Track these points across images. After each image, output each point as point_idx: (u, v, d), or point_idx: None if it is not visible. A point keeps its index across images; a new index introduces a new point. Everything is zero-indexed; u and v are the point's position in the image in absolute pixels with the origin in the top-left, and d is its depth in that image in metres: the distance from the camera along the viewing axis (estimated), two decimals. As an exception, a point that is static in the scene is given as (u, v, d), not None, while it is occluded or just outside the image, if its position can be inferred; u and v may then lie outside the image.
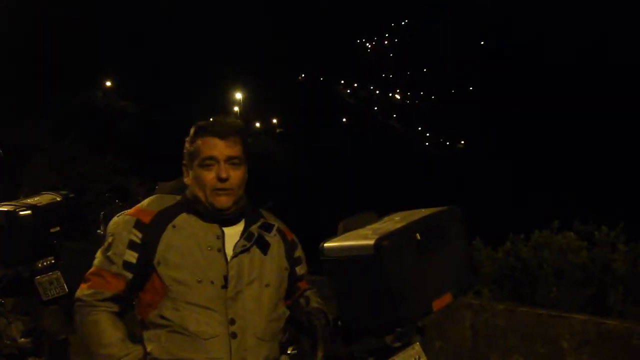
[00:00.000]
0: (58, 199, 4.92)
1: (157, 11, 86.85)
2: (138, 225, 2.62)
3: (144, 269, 2.58)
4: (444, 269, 2.74)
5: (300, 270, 2.88)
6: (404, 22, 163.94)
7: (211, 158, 2.60)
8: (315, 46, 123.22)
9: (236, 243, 2.63)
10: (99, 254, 2.69)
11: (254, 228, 2.68)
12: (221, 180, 2.58)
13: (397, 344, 2.78)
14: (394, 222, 2.76)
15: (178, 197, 2.74)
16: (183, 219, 2.64)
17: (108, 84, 71.32)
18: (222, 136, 2.61)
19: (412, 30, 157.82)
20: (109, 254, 2.63)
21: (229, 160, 2.61)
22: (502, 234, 6.44)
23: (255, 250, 2.66)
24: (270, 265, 2.69)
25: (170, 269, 2.55)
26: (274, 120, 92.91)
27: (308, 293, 2.90)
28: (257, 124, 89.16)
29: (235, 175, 2.62)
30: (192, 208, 2.65)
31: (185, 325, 2.52)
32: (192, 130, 2.69)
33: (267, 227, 2.73)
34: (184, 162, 2.72)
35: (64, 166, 14.38)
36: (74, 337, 5.63)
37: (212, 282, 2.54)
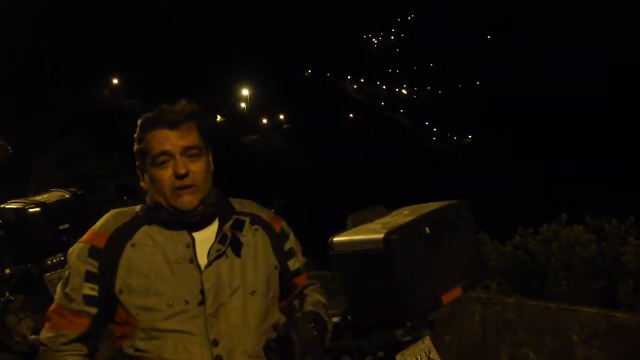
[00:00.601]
0: (67, 196, 4.94)
1: (163, 9, 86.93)
2: (92, 252, 2.25)
3: (108, 300, 2.22)
4: (453, 263, 2.73)
5: (294, 264, 2.46)
6: (410, 16, 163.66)
7: (164, 153, 2.21)
8: (321, 42, 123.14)
9: (210, 248, 2.25)
10: (58, 289, 2.33)
11: (226, 227, 2.30)
12: (179, 177, 2.20)
13: (407, 338, 2.78)
14: (402, 216, 2.75)
15: (137, 208, 2.37)
16: (144, 233, 2.26)
17: (115, 81, 71.44)
18: (171, 125, 2.22)
19: (419, 25, 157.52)
20: (67, 289, 2.27)
21: (186, 152, 2.22)
22: (510, 228, 6.43)
23: (234, 253, 2.29)
24: (254, 267, 2.30)
25: (135, 296, 2.18)
26: (281, 117, 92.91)
27: (308, 290, 2.51)
28: (264, 120, 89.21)
29: (197, 168, 2.23)
30: (153, 217, 2.28)
31: (163, 355, 2.19)
32: (137, 125, 2.31)
33: (240, 224, 2.34)
34: (137, 163, 2.34)
35: (71, 164, 14.44)
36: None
37: (186, 301, 2.18)
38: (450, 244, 2.72)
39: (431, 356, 2.84)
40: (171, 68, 72.88)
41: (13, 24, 49.65)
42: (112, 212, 2.39)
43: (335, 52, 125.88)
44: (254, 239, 2.34)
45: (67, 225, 4.86)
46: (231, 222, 2.33)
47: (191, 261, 2.22)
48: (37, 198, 4.81)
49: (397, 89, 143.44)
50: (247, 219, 2.36)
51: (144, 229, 2.27)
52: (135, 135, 2.30)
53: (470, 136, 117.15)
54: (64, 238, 4.91)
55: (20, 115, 33.82)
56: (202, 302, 2.19)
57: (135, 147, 2.30)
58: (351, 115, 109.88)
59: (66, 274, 2.30)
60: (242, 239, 2.31)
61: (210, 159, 2.33)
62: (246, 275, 2.28)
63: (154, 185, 2.26)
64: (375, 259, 2.57)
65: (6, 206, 4.71)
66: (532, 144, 78.62)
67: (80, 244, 2.30)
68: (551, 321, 4.59)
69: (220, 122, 78.64)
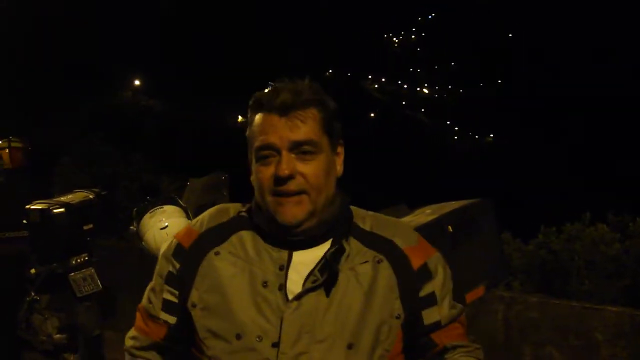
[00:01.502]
0: (91, 196, 5.00)
1: (183, 8, 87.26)
2: (178, 251, 1.87)
3: (185, 313, 1.82)
4: (476, 261, 2.73)
5: (431, 315, 1.78)
6: (431, 15, 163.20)
7: (267, 147, 1.71)
8: (342, 41, 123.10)
9: (307, 276, 1.71)
10: (148, 287, 1.98)
11: (329, 252, 1.72)
12: (279, 180, 1.68)
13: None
14: (425, 215, 2.76)
15: (244, 207, 1.90)
16: (237, 240, 1.80)
17: (137, 82, 71.87)
18: (282, 110, 1.71)
19: (440, 24, 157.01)
20: (149, 289, 1.94)
21: (296, 148, 1.70)
22: (534, 227, 6.40)
23: (339, 289, 1.71)
24: (361, 312, 1.70)
25: (207, 315, 1.76)
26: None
27: (454, 356, 1.80)
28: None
29: (309, 170, 1.70)
30: (254, 222, 1.82)
31: None
32: (249, 105, 1.81)
33: (340, 251, 1.74)
34: (249, 154, 1.83)
35: (93, 165, 14.55)
36: (108, 333, 5.72)
37: (259, 338, 1.69)
38: (472, 242, 2.72)
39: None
40: (194, 69, 73.16)
41: (36, 24, 50.11)
42: (216, 207, 1.96)
43: (356, 51, 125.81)
44: (372, 274, 1.72)
45: (91, 226, 4.93)
46: (335, 248, 1.73)
47: (280, 288, 1.70)
48: (62, 199, 4.87)
49: (418, 88, 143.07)
50: (356, 243, 1.76)
51: (241, 234, 1.81)
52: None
53: (492, 135, 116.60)
54: (88, 238, 5.00)
55: (43, 117, 34.12)
56: (277, 344, 1.68)
57: (247, 132, 1.82)
58: (372, 114, 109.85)
59: (156, 268, 1.96)
60: (351, 271, 1.72)
61: (337, 159, 1.81)
62: (347, 321, 1.69)
63: (256, 184, 1.77)
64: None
65: (31, 207, 4.78)
66: (555, 142, 78.09)
67: (172, 240, 1.94)
68: (575, 320, 4.56)
69: (242, 122, 78.85)
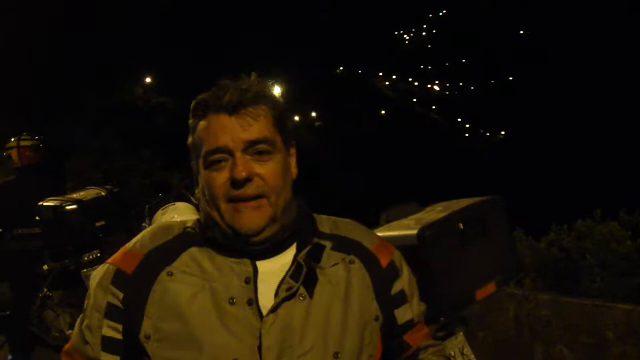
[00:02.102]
0: (103, 193, 5.02)
1: (194, 4, 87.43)
2: (118, 278, 1.60)
3: (132, 349, 1.56)
4: (487, 258, 2.74)
5: (404, 313, 1.71)
6: (442, 12, 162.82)
7: (218, 150, 1.54)
8: (353, 39, 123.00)
9: (278, 286, 1.54)
10: (76, 324, 1.72)
11: (301, 255, 1.59)
12: (237, 183, 1.51)
13: (441, 334, 2.79)
14: (436, 212, 2.76)
15: (189, 223, 1.69)
16: (189, 257, 1.58)
17: (148, 80, 72.05)
18: (232, 109, 1.55)
19: (450, 20, 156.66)
20: (83, 326, 1.64)
21: (250, 147, 1.54)
22: (546, 225, 6.40)
23: (315, 294, 1.57)
24: (342, 317, 1.57)
25: (166, 346, 1.51)
26: (313, 114, 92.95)
27: (425, 355, 1.75)
28: (296, 118, 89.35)
29: (266, 171, 1.54)
30: (205, 237, 1.61)
31: None
32: (190, 109, 1.65)
33: (318, 251, 1.62)
34: (191, 163, 1.67)
35: (105, 162, 14.62)
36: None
37: None
38: (483, 240, 2.73)
39: (464, 352, 2.85)
40: (204, 65, 73.28)
41: (46, 23, 50.30)
42: (155, 225, 1.73)
43: (367, 48, 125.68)
44: (345, 276, 1.60)
45: (103, 222, 4.95)
46: (308, 248, 1.60)
47: (250, 303, 1.51)
48: (74, 195, 4.90)
49: (429, 85, 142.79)
50: (329, 244, 1.64)
51: (191, 251, 1.59)
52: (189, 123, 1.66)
53: (503, 132, 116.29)
54: (100, 235, 5.02)
55: (55, 114, 34.26)
56: None
57: (189, 140, 1.66)
58: (383, 111, 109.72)
59: (85, 305, 1.66)
60: (322, 274, 1.58)
61: (291, 160, 1.67)
62: (329, 328, 1.54)
63: (206, 194, 1.58)
64: (408, 254, 2.58)
65: (44, 204, 4.81)
66: (567, 139, 77.82)
67: (105, 266, 1.65)
68: (586, 318, 4.55)
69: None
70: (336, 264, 1.62)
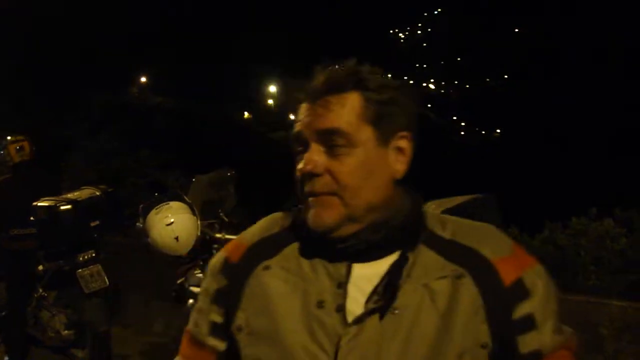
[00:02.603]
0: (97, 193, 5.02)
1: (190, 4, 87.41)
2: (225, 266, 1.55)
3: (229, 338, 1.53)
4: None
5: (530, 342, 1.38)
6: (437, 10, 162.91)
7: (296, 138, 1.43)
8: (348, 37, 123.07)
9: (370, 295, 1.37)
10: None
11: (398, 263, 1.38)
12: (303, 177, 1.39)
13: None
14: (430, 210, 2.76)
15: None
16: (290, 253, 1.48)
17: (143, 80, 71.93)
18: (312, 97, 1.41)
19: (446, 19, 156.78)
20: (196, 308, 1.62)
21: (323, 139, 1.37)
22: (539, 222, 6.41)
23: (408, 310, 1.35)
24: (438, 340, 1.34)
25: (253, 341, 1.46)
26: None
27: None
28: (292, 117, 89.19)
29: (340, 168, 1.36)
30: (304, 233, 1.46)
31: None
32: None
33: (423, 259, 1.38)
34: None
35: (101, 162, 14.61)
36: (116, 329, 5.75)
37: None
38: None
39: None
40: (199, 65, 73.25)
41: (43, 23, 50.25)
42: (270, 215, 1.63)
43: (362, 47, 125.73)
44: (449, 293, 1.35)
45: (97, 222, 4.95)
46: (409, 255, 1.38)
47: (338, 309, 1.36)
48: (69, 195, 4.90)
49: (424, 84, 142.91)
50: (440, 252, 1.39)
51: (293, 247, 1.49)
52: None
53: (498, 130, 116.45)
54: (95, 235, 5.01)
55: (51, 114, 34.21)
56: None
57: None
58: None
59: (200, 288, 1.65)
60: (423, 288, 1.35)
61: (393, 156, 1.42)
62: (418, 351, 1.33)
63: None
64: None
65: (39, 204, 4.80)
66: (562, 137, 78.01)
67: (220, 252, 1.62)
68: (581, 315, 4.57)
69: (247, 118, 78.98)
70: (443, 277, 1.36)
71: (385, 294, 1.34)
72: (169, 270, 4.06)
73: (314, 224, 1.37)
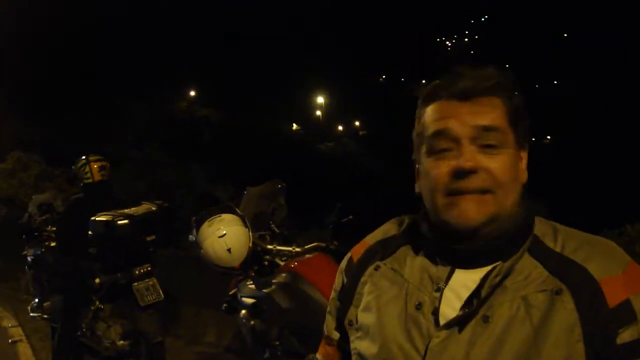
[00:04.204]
0: (153, 208, 5.10)
1: (238, 18, 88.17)
2: (349, 264, 1.65)
3: (343, 332, 1.63)
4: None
5: None
6: (484, 18, 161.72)
7: (444, 133, 1.38)
8: (395, 47, 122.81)
9: (466, 301, 1.36)
10: None
11: (494, 273, 1.34)
12: (459, 174, 1.35)
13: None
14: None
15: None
16: (402, 254, 1.54)
17: (192, 93, 72.71)
18: (464, 95, 1.39)
19: (493, 26, 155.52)
20: (329, 304, 1.73)
21: (480, 136, 1.36)
22: (595, 230, 6.31)
23: (501, 322, 1.32)
24: (526, 354, 1.28)
25: (360, 336, 1.52)
26: (356, 123, 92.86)
27: None
28: (340, 127, 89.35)
29: (494, 164, 1.35)
30: (420, 232, 1.52)
31: None
32: (419, 100, 1.52)
33: (526, 271, 1.35)
34: (414, 156, 1.55)
35: (150, 175, 14.79)
36: (169, 340, 5.82)
37: None
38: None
39: None
40: (247, 78, 73.80)
41: (92, 36, 51.18)
42: (396, 218, 1.68)
43: (409, 56, 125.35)
44: (545, 308, 1.30)
45: (153, 237, 5.02)
46: (510, 266, 1.35)
47: (434, 312, 1.38)
48: (126, 211, 4.98)
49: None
50: (543, 265, 1.35)
51: (406, 249, 1.54)
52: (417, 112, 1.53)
53: (549, 137, 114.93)
54: (151, 249, 5.09)
55: (103, 128, 34.82)
56: None
57: (415, 130, 1.53)
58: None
59: None
60: (522, 301, 1.32)
61: (521, 164, 1.44)
62: None
63: (424, 185, 1.45)
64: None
65: (97, 218, 4.89)
66: (613, 143, 76.62)
67: (349, 252, 1.69)
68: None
69: (296, 130, 79.27)
70: (543, 290, 1.31)
71: (480, 302, 1.33)
72: (221, 281, 4.09)
73: (462, 220, 1.35)
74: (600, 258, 1.34)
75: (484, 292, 1.33)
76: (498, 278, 1.33)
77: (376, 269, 1.53)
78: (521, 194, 1.42)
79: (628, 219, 6.02)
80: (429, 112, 1.44)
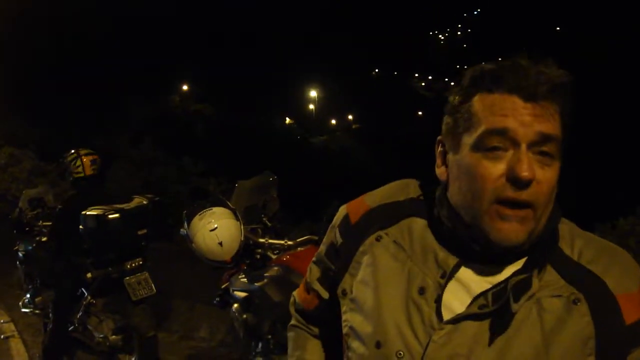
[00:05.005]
0: (144, 202, 5.08)
1: (230, 12, 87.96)
2: (344, 223, 1.56)
3: (334, 295, 1.56)
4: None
5: None
6: (477, 11, 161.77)
7: (503, 132, 1.25)
8: (388, 40, 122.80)
9: (476, 297, 1.30)
10: None
11: (514, 279, 1.27)
12: (517, 183, 1.24)
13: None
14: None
15: (427, 189, 1.53)
16: (406, 226, 1.45)
17: (185, 88, 72.57)
18: (529, 95, 1.26)
19: (485, 19, 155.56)
20: (315, 253, 1.72)
21: (538, 144, 1.25)
22: (588, 225, 6.31)
23: (512, 325, 1.27)
24: (535, 357, 1.24)
25: (354, 309, 1.46)
26: (350, 117, 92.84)
27: None
28: (333, 121, 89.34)
29: (547, 178, 1.26)
30: (431, 212, 1.43)
31: None
32: (465, 79, 1.36)
33: (525, 284, 1.28)
34: (440, 137, 1.43)
35: (143, 170, 14.78)
36: (162, 334, 5.80)
37: (399, 355, 1.33)
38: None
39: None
40: (239, 72, 73.69)
41: (84, 33, 51.04)
42: (399, 181, 1.59)
43: (402, 50, 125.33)
44: (559, 315, 1.26)
45: (145, 231, 5.01)
46: (530, 271, 1.29)
47: (437, 300, 1.33)
48: (117, 205, 4.96)
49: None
50: (560, 273, 1.30)
51: (412, 221, 1.45)
52: (451, 96, 1.40)
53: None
54: (142, 243, 5.08)
55: (95, 124, 34.76)
56: None
57: (449, 110, 1.40)
58: (420, 112, 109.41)
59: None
60: (535, 305, 1.27)
61: (559, 169, 1.31)
62: None
63: (463, 180, 1.32)
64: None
65: (87, 212, 4.86)
66: (603, 138, 76.83)
67: (343, 207, 1.61)
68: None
69: (289, 123, 79.20)
70: (558, 296, 1.27)
71: (493, 303, 1.27)
72: (214, 275, 4.09)
73: (503, 239, 1.26)
74: (617, 271, 1.29)
75: (497, 296, 1.27)
76: (519, 287, 1.26)
77: (377, 239, 1.45)
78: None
79: (621, 212, 6.04)
80: (484, 103, 1.29)
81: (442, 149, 1.41)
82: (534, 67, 1.26)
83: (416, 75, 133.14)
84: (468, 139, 1.30)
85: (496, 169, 1.25)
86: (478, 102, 1.30)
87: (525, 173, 1.21)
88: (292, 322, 1.82)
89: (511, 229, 1.24)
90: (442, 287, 1.33)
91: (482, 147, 1.26)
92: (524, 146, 1.23)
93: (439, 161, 1.41)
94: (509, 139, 1.24)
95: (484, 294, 1.28)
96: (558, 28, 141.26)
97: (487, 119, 1.26)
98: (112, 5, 60.15)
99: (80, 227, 4.91)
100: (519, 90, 1.25)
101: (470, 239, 1.31)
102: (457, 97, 1.36)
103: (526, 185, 1.22)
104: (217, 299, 3.80)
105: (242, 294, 3.57)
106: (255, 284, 3.44)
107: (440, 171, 1.40)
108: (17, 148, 15.91)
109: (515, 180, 1.22)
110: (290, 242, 3.48)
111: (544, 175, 1.24)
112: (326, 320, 1.66)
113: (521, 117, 1.24)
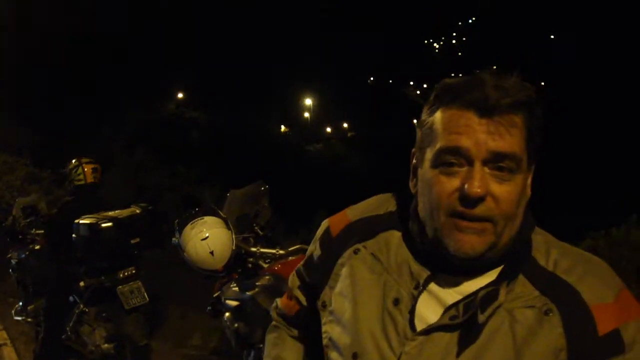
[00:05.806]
0: (138, 211, 5.10)
1: (224, 18, 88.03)
2: (324, 235, 1.61)
3: (313, 306, 1.60)
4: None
5: None
6: (471, 20, 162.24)
7: (457, 151, 1.27)
8: (383, 49, 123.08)
9: (448, 308, 1.32)
10: None
11: (486, 289, 1.28)
12: (466, 200, 1.26)
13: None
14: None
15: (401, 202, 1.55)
16: (384, 240, 1.48)
17: (180, 95, 72.52)
18: (485, 110, 1.26)
19: (479, 28, 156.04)
20: (301, 262, 1.76)
21: (494, 161, 1.26)
22: (581, 232, 6.32)
23: (482, 336, 1.27)
24: None
25: (333, 321, 1.49)
26: (345, 125, 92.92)
27: None
28: (328, 129, 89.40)
29: (502, 193, 1.26)
30: (406, 225, 1.46)
31: None
32: (433, 93, 1.39)
33: (492, 295, 1.28)
34: (414, 150, 1.45)
35: (137, 177, 14.76)
36: (155, 343, 5.79)
37: None
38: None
39: None
40: (235, 80, 73.70)
41: (80, 38, 51.05)
42: (380, 195, 1.62)
43: (397, 58, 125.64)
44: (530, 325, 1.26)
45: (138, 240, 5.02)
46: (500, 283, 1.29)
47: (410, 311, 1.35)
48: (110, 213, 4.97)
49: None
50: (533, 284, 1.30)
51: (389, 235, 1.48)
52: (423, 109, 1.41)
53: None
54: (135, 252, 5.09)
55: (90, 131, 34.71)
56: None
57: (418, 124, 1.43)
58: (415, 120, 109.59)
59: None
60: (508, 315, 1.27)
61: (529, 178, 1.35)
62: None
63: (423, 194, 1.36)
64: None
65: (81, 221, 4.87)
66: (598, 144, 77.00)
67: (326, 221, 1.64)
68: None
69: (284, 132, 79.22)
70: (530, 306, 1.27)
71: (464, 314, 1.27)
72: (206, 284, 4.09)
73: (460, 250, 1.27)
74: (593, 282, 1.29)
75: (467, 306, 1.28)
76: (489, 298, 1.26)
77: (355, 252, 1.48)
78: (524, 209, 1.34)
79: (614, 220, 6.05)
80: (441, 119, 1.31)
81: (415, 162, 1.43)
82: (492, 82, 1.27)
83: (411, 83, 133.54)
84: (429, 154, 1.33)
85: (451, 184, 1.27)
86: (438, 117, 1.32)
87: (475, 189, 1.23)
88: (273, 323, 1.88)
89: (467, 240, 1.26)
90: (416, 299, 1.34)
91: (438, 162, 1.29)
92: (477, 163, 1.25)
93: (412, 174, 1.44)
94: (463, 157, 1.26)
95: (455, 305, 1.30)
96: (552, 36, 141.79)
97: (442, 136, 1.29)
98: (107, 12, 60.10)
99: (74, 235, 4.92)
100: (473, 105, 1.26)
101: (435, 252, 1.33)
102: (425, 111, 1.38)
103: (476, 202, 1.24)
104: (210, 307, 3.80)
105: (233, 303, 3.57)
106: (247, 292, 3.44)
107: (412, 184, 1.44)
108: (11, 155, 15.86)
109: (464, 198, 1.25)
110: (281, 251, 3.48)
111: (500, 191, 1.26)
112: (306, 326, 1.72)
113: (475, 134, 1.25)
